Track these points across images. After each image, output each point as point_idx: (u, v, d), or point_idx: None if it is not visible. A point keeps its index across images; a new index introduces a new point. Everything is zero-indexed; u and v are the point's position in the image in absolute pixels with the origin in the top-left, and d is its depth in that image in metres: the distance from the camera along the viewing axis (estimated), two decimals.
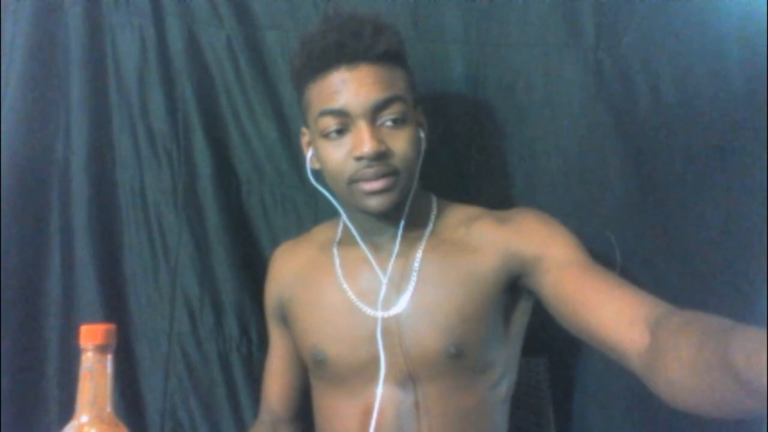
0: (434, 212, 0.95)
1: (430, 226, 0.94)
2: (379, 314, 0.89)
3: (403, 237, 0.91)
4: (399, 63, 0.87)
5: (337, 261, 0.96)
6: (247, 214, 1.22)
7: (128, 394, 1.17)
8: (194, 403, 1.17)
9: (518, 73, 1.16)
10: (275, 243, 1.21)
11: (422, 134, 0.92)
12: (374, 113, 0.84)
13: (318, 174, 0.95)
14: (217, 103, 1.21)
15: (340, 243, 0.98)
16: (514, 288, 0.91)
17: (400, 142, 0.84)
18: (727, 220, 1.10)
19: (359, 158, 0.83)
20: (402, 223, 0.90)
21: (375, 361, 0.88)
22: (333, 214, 1.19)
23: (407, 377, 0.88)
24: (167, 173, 1.20)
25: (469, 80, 1.17)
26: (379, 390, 0.86)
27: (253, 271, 1.21)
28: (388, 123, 0.84)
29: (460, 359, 0.86)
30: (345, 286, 0.93)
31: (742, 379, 0.48)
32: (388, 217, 0.90)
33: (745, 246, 1.10)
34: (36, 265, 1.18)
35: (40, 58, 1.18)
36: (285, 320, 1.03)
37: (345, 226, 0.97)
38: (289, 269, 1.02)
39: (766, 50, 1.08)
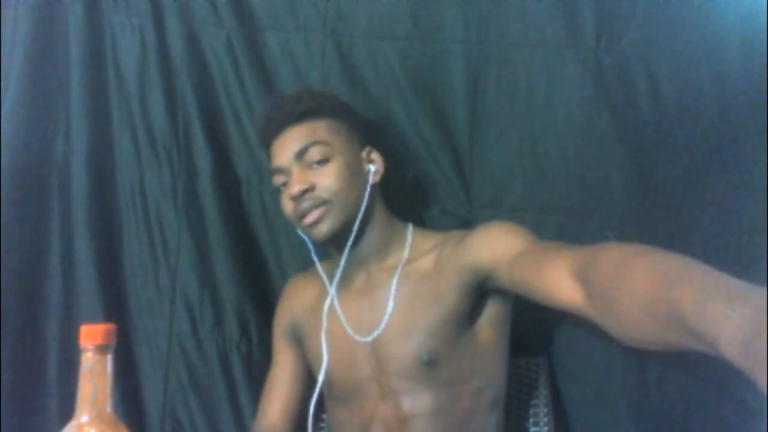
0: (409, 242, 1.04)
1: (405, 255, 1.02)
2: (323, 334, 1.02)
3: (381, 267, 1.02)
4: (321, 117, 1.01)
5: (333, 296, 1.04)
6: (247, 214, 1.22)
7: (128, 394, 1.17)
8: (194, 403, 1.17)
9: (518, 73, 1.16)
10: (275, 243, 1.22)
11: (372, 168, 1.03)
12: (299, 159, 0.99)
13: None
14: (217, 103, 1.21)
15: (333, 278, 1.05)
16: (484, 298, 0.99)
17: (325, 177, 0.98)
18: (727, 219, 1.10)
19: (293, 198, 0.97)
20: (347, 248, 1.00)
21: (370, 380, 1.00)
22: None
23: (395, 391, 0.98)
24: (167, 173, 1.20)
25: (469, 80, 1.17)
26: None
27: (253, 271, 1.21)
28: (315, 163, 0.98)
29: (435, 368, 0.95)
30: (342, 318, 1.02)
31: (694, 331, 0.49)
32: (337, 244, 1.01)
33: (745, 246, 1.10)
34: (36, 266, 1.18)
35: (40, 58, 1.18)
36: (298, 340, 1.10)
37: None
38: (302, 300, 1.10)
39: (766, 50, 1.08)
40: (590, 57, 1.13)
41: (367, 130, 1.08)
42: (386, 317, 0.98)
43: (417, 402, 0.97)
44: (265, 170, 1.21)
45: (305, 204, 0.97)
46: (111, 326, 0.60)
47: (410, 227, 1.06)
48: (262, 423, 1.09)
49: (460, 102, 1.18)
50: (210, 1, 1.20)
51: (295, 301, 1.11)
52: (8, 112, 1.15)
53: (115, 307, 1.18)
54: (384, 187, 1.05)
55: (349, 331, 1.00)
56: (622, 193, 1.13)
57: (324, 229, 0.98)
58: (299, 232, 1.05)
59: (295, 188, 0.96)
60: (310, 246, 1.07)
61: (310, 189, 0.97)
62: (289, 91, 1.08)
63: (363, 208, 0.99)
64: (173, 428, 1.17)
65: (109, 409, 0.59)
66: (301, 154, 0.98)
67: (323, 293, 1.07)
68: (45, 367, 1.17)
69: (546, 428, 1.09)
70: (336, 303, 1.03)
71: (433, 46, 1.18)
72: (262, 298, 1.20)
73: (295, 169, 0.98)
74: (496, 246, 0.92)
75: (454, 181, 1.19)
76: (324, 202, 0.97)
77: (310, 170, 0.98)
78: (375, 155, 1.05)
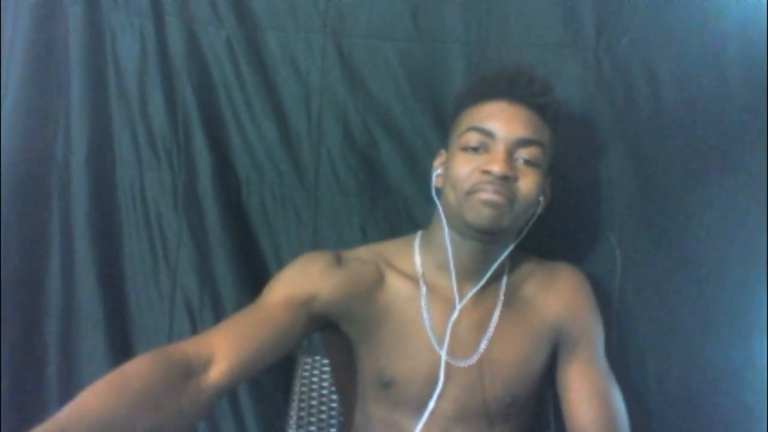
0: (508, 263, 1.01)
1: (505, 278, 1.00)
2: (443, 356, 0.92)
3: (484, 286, 0.96)
4: (550, 123, 0.95)
5: (424, 301, 0.95)
6: (247, 214, 1.22)
7: None
8: None
9: None
10: (275, 243, 1.22)
11: (542, 199, 0.96)
12: (515, 146, 0.90)
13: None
14: (217, 103, 1.21)
15: (426, 280, 0.97)
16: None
17: (526, 178, 0.90)
18: (727, 219, 1.10)
19: (486, 172, 0.88)
20: (497, 258, 0.94)
21: (432, 396, 0.91)
22: (333, 215, 1.19)
23: (462, 415, 0.94)
24: (167, 173, 1.20)
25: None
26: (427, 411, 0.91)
27: (253, 271, 1.21)
28: (523, 160, 0.91)
29: (512, 406, 0.96)
30: (427, 323, 0.94)
31: None
32: (486, 239, 0.92)
33: (745, 246, 1.10)
34: (36, 266, 1.18)
35: (40, 58, 1.18)
36: (317, 319, 0.91)
37: (429, 262, 0.98)
38: (362, 284, 0.94)
39: (766, 50, 1.08)
40: (590, 57, 1.13)
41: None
42: (483, 345, 0.94)
43: (472, 427, 0.95)
44: (265, 170, 1.21)
45: (493, 186, 0.87)
46: None
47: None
48: (203, 341, 0.78)
49: None
50: (210, 1, 1.20)
51: (342, 281, 0.92)
52: (8, 112, 1.15)
53: (115, 307, 1.18)
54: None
55: (434, 342, 0.92)
56: (622, 193, 1.13)
57: (498, 215, 0.88)
58: (435, 198, 0.96)
59: (500, 168, 0.86)
60: (445, 228, 0.94)
61: (511, 179, 0.88)
62: (534, 71, 0.98)
63: (520, 231, 0.96)
64: None
65: None
66: (521, 144, 0.90)
67: (407, 291, 0.95)
68: (45, 368, 1.17)
69: (546, 429, 1.09)
70: (426, 311, 0.94)
71: (433, 46, 1.18)
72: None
73: (504, 149, 0.89)
74: (589, 334, 0.99)
75: None
76: (510, 198, 0.89)
77: (515, 162, 0.90)
78: (549, 188, 1.00)
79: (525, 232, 0.97)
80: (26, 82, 1.17)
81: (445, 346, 0.92)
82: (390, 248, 1.01)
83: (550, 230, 1.15)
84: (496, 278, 0.98)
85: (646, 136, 1.13)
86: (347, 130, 1.19)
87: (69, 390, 1.17)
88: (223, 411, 1.17)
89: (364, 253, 0.99)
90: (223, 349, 0.77)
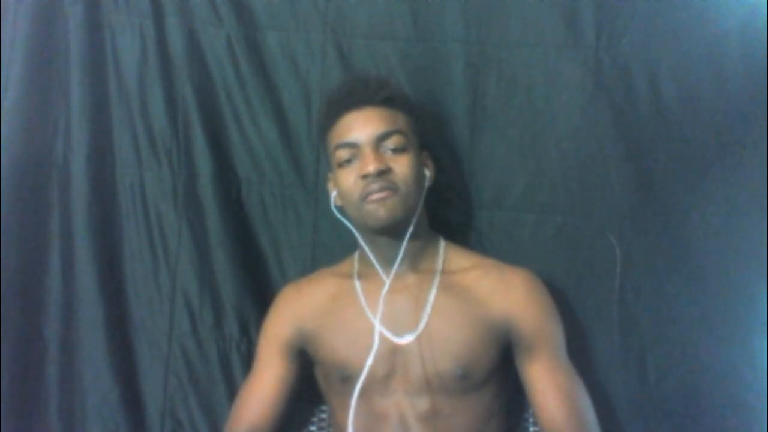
0: (442, 251, 1.07)
1: (440, 264, 1.05)
2: (377, 325, 0.99)
3: (417, 270, 1.04)
4: (401, 109, 1.03)
5: (359, 291, 1.05)
6: (247, 214, 1.22)
7: (128, 394, 1.17)
8: (194, 403, 1.17)
9: (518, 73, 1.16)
10: (275, 243, 1.22)
11: (427, 173, 1.06)
12: (377, 142, 1.00)
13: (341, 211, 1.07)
14: (217, 103, 1.21)
15: (360, 275, 1.07)
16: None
17: (399, 165, 0.99)
18: (727, 219, 1.10)
19: (365, 176, 0.98)
20: (407, 237, 1.00)
21: (393, 376, 1.00)
22: (333, 215, 1.20)
23: (420, 390, 0.99)
24: (167, 173, 1.20)
25: (469, 80, 1.17)
26: (355, 394, 0.96)
27: (253, 271, 1.21)
28: (390, 150, 1.00)
29: (465, 379, 0.98)
30: (368, 313, 1.02)
31: None
32: (394, 233, 1.01)
33: (745, 246, 1.10)
34: (36, 265, 1.18)
35: (40, 58, 1.18)
36: (299, 352, 1.07)
37: (361, 260, 1.08)
38: (311, 304, 1.08)
39: (766, 50, 1.09)
40: (590, 57, 1.14)
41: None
42: (423, 322, 1.00)
43: (438, 403, 0.98)
44: (265, 170, 1.21)
45: (376, 185, 0.97)
46: None
47: (441, 239, 1.08)
48: (241, 420, 1.05)
49: (460, 102, 1.18)
50: (210, 1, 1.20)
51: (303, 308, 1.08)
52: (8, 112, 1.15)
53: (115, 308, 1.18)
54: None
55: (379, 327, 0.99)
56: (622, 193, 1.13)
57: (390, 209, 0.98)
58: (340, 217, 1.06)
59: (373, 167, 0.97)
60: (357, 234, 1.05)
61: (387, 171, 0.98)
62: (365, 73, 1.10)
63: (419, 208, 1.02)
64: (173, 428, 1.17)
65: None
66: (382, 138, 0.99)
67: (341, 290, 1.06)
68: (45, 367, 1.17)
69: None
70: (362, 298, 1.03)
71: (433, 46, 1.18)
72: (262, 298, 1.20)
73: (371, 150, 0.99)
74: (545, 335, 1.01)
75: (454, 181, 1.19)
76: (394, 188, 0.98)
77: (385, 154, 1.00)
78: (429, 161, 1.08)
79: (422, 201, 1.03)
80: (26, 82, 1.17)
81: (378, 315, 0.99)
82: (341, 262, 1.12)
83: (550, 230, 1.15)
84: (429, 263, 1.05)
85: (646, 136, 1.13)
86: None
87: (69, 390, 1.17)
88: (223, 410, 1.17)
89: (318, 273, 1.13)
90: (255, 417, 1.04)
